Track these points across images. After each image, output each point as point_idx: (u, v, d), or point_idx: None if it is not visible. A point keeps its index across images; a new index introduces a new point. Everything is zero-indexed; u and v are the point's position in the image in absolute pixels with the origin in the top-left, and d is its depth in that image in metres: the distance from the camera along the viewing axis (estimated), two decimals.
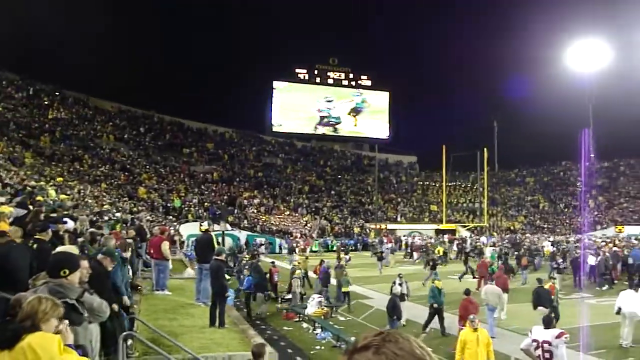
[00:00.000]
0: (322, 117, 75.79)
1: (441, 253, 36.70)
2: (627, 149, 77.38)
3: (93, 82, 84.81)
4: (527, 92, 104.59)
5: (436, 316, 15.57)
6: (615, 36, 75.00)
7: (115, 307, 7.29)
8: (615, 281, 25.26)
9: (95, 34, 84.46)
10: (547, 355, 8.72)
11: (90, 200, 28.19)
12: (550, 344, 8.71)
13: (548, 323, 9.26)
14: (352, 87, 77.73)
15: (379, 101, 79.15)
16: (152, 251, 15.75)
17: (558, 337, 8.81)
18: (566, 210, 71.91)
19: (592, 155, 76.71)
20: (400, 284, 17.03)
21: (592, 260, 25.71)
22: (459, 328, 14.03)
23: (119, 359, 7.01)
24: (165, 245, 15.49)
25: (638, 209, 67.40)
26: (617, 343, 13.83)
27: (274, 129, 74.32)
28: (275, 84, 74.56)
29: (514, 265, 27.31)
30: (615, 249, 29.51)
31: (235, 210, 49.42)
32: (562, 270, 23.75)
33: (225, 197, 52.87)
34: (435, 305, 15.47)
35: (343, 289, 20.53)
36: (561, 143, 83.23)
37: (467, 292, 14.67)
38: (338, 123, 76.25)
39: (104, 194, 38.09)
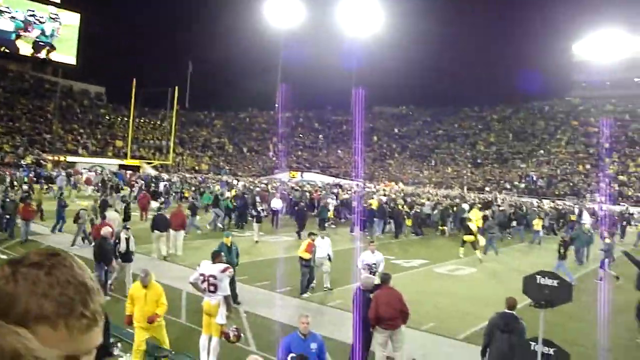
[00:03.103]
0: None
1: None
2: (307, 101, 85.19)
3: None
4: (224, 40, 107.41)
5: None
6: None
7: None
8: None
9: None
10: (212, 287, 9.32)
11: None
12: (215, 277, 9.25)
13: (214, 258, 9.79)
14: (39, 1, 69.45)
15: (68, 22, 72.47)
16: None
17: (223, 271, 9.44)
18: (249, 154, 76.33)
19: (277, 105, 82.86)
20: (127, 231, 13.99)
21: (278, 204, 28.10)
22: None
23: None
24: None
25: (311, 158, 75.02)
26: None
27: None
28: None
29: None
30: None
31: None
32: (260, 218, 23.19)
33: None
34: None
35: None
36: (249, 90, 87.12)
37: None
38: (17, 38, 67.84)
39: None
